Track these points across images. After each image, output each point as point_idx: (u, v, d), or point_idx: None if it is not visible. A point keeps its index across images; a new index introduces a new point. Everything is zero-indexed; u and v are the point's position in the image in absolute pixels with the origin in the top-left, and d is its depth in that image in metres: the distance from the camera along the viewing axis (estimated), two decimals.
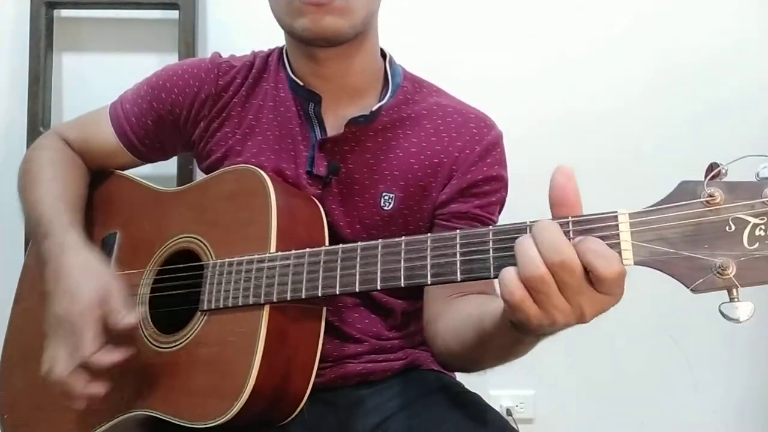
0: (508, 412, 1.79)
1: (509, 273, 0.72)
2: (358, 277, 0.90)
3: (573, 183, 0.73)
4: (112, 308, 1.00)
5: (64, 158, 1.26)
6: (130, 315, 1.00)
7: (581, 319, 0.73)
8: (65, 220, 1.12)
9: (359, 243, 0.91)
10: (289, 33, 1.14)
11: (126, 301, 1.02)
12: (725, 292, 0.67)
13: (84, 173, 1.27)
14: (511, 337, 0.82)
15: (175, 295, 1.09)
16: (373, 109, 1.16)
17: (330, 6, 1.05)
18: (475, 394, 1.16)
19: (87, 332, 0.97)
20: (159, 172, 1.48)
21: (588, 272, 0.69)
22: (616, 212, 0.71)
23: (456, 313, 1.03)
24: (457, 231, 0.82)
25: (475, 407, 1.11)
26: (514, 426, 1.08)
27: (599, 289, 0.70)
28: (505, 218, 1.19)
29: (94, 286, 1.01)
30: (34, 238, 1.15)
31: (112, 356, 0.98)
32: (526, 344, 0.85)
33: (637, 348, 1.81)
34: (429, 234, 0.84)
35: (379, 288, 0.88)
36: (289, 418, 1.04)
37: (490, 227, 0.79)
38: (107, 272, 1.06)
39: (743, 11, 1.82)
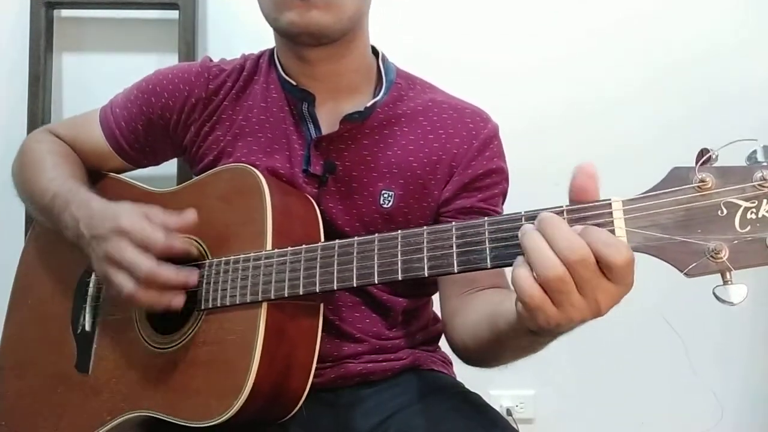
0: (508, 412, 1.80)
1: (523, 274, 0.71)
2: (355, 272, 0.90)
3: (594, 182, 0.72)
4: (162, 212, 1.01)
5: (61, 149, 1.26)
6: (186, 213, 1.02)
7: (597, 313, 0.72)
8: (83, 190, 1.12)
9: (356, 238, 0.91)
10: (275, 28, 1.13)
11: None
12: (719, 275, 0.67)
13: (81, 163, 1.27)
14: (527, 339, 0.82)
15: None
16: (368, 105, 1.15)
17: (315, 0, 1.05)
18: (475, 394, 1.16)
19: (146, 224, 0.97)
20: (159, 172, 1.48)
21: (598, 263, 0.68)
22: (610, 200, 0.72)
23: (471, 312, 1.03)
24: (453, 223, 0.82)
25: (475, 407, 1.10)
26: (514, 426, 1.07)
27: (610, 277, 0.69)
28: (506, 211, 1.19)
29: (131, 204, 1.02)
30: (50, 214, 1.13)
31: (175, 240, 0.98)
32: (542, 343, 0.85)
33: (636, 347, 1.81)
34: (425, 227, 0.84)
35: (376, 282, 0.88)
36: (289, 416, 1.04)
37: (486, 219, 0.79)
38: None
39: (742, 8, 1.83)
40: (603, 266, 0.68)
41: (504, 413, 1.77)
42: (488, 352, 0.98)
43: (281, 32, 1.13)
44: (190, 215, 1.01)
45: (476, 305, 1.03)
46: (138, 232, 0.96)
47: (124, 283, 0.96)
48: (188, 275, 0.98)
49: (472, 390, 1.18)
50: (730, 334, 1.83)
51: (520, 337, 0.83)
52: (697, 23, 1.82)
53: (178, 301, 0.97)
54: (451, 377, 1.26)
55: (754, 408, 1.86)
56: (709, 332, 1.78)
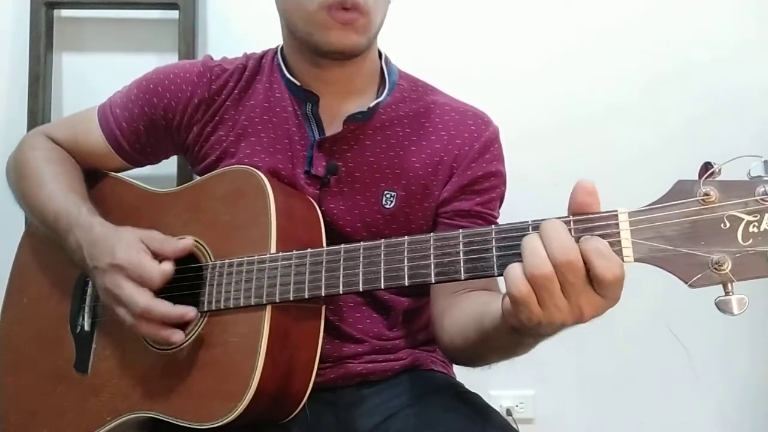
0: (508, 412, 1.79)
1: (515, 269, 0.74)
2: (361, 276, 0.90)
3: (595, 199, 0.75)
4: (161, 238, 1.04)
5: (58, 156, 1.25)
6: (183, 240, 1.04)
7: (579, 319, 0.75)
8: (84, 210, 1.12)
9: (362, 243, 0.91)
10: (307, 43, 1.12)
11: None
12: (721, 285, 0.69)
13: (79, 169, 1.26)
14: (510, 338, 0.84)
15: (173, 297, 1.08)
16: (371, 105, 1.16)
17: (355, 24, 1.06)
18: (475, 394, 1.17)
19: (142, 258, 0.99)
20: (159, 172, 1.48)
21: (588, 272, 0.71)
22: (617, 211, 0.73)
23: (460, 311, 1.04)
24: (460, 230, 0.83)
25: (475, 407, 1.11)
26: (514, 426, 1.08)
27: (598, 290, 0.72)
28: (504, 215, 1.21)
29: (131, 232, 1.05)
30: (55, 234, 1.14)
31: (169, 266, 1.01)
32: (525, 345, 0.87)
33: (636, 346, 1.81)
34: (432, 233, 0.85)
35: (383, 287, 0.89)
36: (290, 417, 1.05)
37: (493, 227, 0.81)
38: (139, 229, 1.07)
39: (745, 12, 1.83)
40: (592, 276, 0.71)
41: (504, 413, 1.77)
42: (474, 351, 1.00)
43: (311, 48, 1.12)
44: (188, 242, 1.04)
45: (465, 305, 1.04)
46: (134, 268, 0.99)
47: (125, 316, 1.00)
48: (185, 311, 0.99)
49: (472, 390, 1.18)
50: (732, 334, 1.83)
51: (503, 335, 0.85)
52: (700, 27, 1.82)
53: (176, 337, 0.99)
54: (451, 377, 1.27)
55: (755, 412, 1.87)
56: (712, 340, 1.78)
